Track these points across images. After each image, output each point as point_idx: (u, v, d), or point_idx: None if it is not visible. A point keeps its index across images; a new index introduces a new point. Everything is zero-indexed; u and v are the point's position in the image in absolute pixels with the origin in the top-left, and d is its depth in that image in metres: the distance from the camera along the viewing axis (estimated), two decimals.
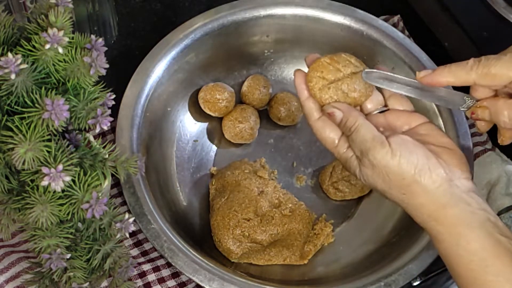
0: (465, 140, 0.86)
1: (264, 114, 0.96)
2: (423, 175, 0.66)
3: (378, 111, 0.75)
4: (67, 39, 0.59)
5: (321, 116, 0.72)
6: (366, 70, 0.73)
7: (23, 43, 0.60)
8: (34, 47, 0.59)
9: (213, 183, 0.89)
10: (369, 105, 0.73)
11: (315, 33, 0.94)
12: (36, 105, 0.58)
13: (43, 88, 0.60)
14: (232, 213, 0.83)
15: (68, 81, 0.62)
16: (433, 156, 0.67)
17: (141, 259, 0.83)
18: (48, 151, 0.59)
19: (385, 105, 0.74)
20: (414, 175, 0.66)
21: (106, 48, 0.62)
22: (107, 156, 0.66)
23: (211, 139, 0.94)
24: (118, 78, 0.79)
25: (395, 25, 1.00)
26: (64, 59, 0.61)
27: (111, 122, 0.63)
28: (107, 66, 0.61)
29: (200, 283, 0.76)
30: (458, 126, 0.87)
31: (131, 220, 0.67)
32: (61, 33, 0.58)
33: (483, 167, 0.91)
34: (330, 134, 0.71)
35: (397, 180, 0.66)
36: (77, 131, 0.67)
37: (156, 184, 0.84)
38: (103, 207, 0.61)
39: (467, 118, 0.81)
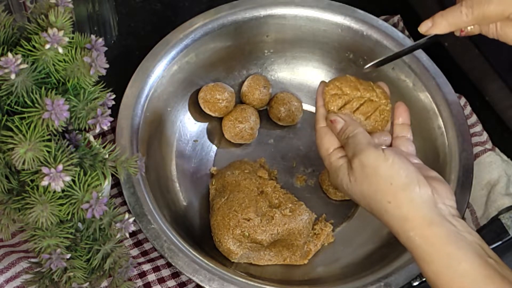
0: (465, 140, 0.86)
1: (264, 114, 0.96)
2: (411, 186, 0.66)
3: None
4: (67, 39, 0.59)
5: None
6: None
7: (23, 43, 0.60)
8: (34, 47, 0.59)
9: (213, 183, 0.89)
10: (376, 140, 0.74)
11: (315, 33, 0.94)
12: (36, 105, 0.58)
13: (43, 88, 0.60)
14: (232, 213, 0.83)
15: (68, 81, 0.62)
16: (423, 176, 0.67)
17: (141, 259, 0.83)
18: (48, 151, 0.59)
19: (390, 145, 0.75)
20: (402, 184, 0.66)
21: (106, 48, 0.62)
22: (107, 156, 0.66)
23: (211, 139, 0.94)
24: (118, 78, 0.79)
25: (395, 25, 1.00)
26: (64, 59, 0.61)
27: (111, 122, 0.63)
28: (107, 66, 0.61)
29: (200, 283, 0.76)
30: (458, 126, 0.87)
31: (131, 220, 0.67)
32: (61, 33, 0.58)
33: (483, 167, 0.91)
34: (327, 141, 0.73)
35: (385, 185, 0.66)
36: (77, 131, 0.67)
37: (156, 184, 0.84)
38: (103, 207, 0.61)
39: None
